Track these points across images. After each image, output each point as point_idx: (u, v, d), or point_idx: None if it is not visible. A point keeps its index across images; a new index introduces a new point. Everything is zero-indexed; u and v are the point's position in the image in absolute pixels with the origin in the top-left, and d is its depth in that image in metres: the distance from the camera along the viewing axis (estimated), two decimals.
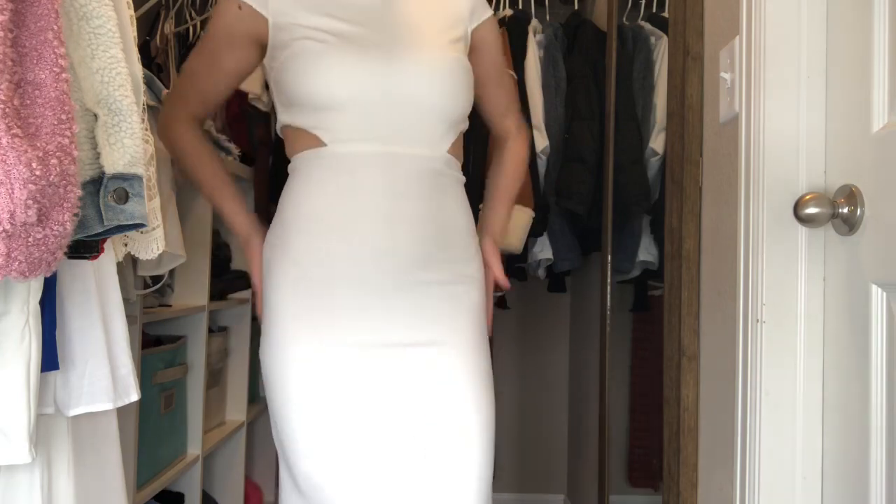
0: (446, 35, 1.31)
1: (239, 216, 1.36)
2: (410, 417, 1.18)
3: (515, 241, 2.18)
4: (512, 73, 2.30)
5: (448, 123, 1.27)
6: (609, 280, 2.15)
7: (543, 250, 2.37)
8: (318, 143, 1.23)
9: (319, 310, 1.20)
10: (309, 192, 1.24)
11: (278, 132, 1.33)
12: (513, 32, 2.36)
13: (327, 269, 1.20)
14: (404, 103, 1.22)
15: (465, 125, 1.32)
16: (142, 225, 0.89)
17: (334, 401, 1.17)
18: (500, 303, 2.67)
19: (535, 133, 2.30)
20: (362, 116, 1.22)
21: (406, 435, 1.18)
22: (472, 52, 1.36)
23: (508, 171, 1.45)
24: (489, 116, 1.45)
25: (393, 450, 1.17)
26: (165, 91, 1.46)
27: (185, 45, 2.62)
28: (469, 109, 1.31)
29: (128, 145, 0.86)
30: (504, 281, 1.36)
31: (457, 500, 1.17)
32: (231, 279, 2.19)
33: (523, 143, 1.48)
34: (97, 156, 0.86)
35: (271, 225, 1.29)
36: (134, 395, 1.02)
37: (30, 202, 0.70)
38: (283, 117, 1.28)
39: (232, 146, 1.73)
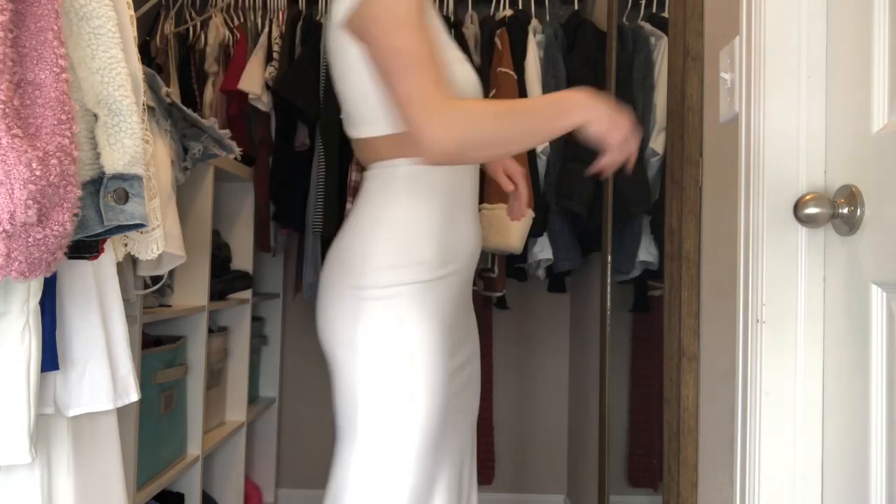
0: None
1: (565, 99, 1.18)
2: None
3: (515, 240, 2.18)
4: (509, 71, 2.30)
5: None
6: (609, 280, 2.15)
7: (543, 250, 2.37)
8: None
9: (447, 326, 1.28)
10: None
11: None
12: (513, 32, 2.36)
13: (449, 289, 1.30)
14: None
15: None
16: (142, 225, 0.89)
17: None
18: (500, 303, 2.67)
19: None
20: None
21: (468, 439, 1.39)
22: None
23: None
24: None
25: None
26: (166, 89, 1.46)
27: (185, 45, 2.62)
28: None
29: (128, 145, 0.86)
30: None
31: None
32: (231, 279, 2.19)
33: None
34: (97, 156, 0.86)
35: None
36: (134, 396, 1.02)
37: (30, 202, 0.70)
38: None
39: (233, 145, 1.73)
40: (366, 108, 1.26)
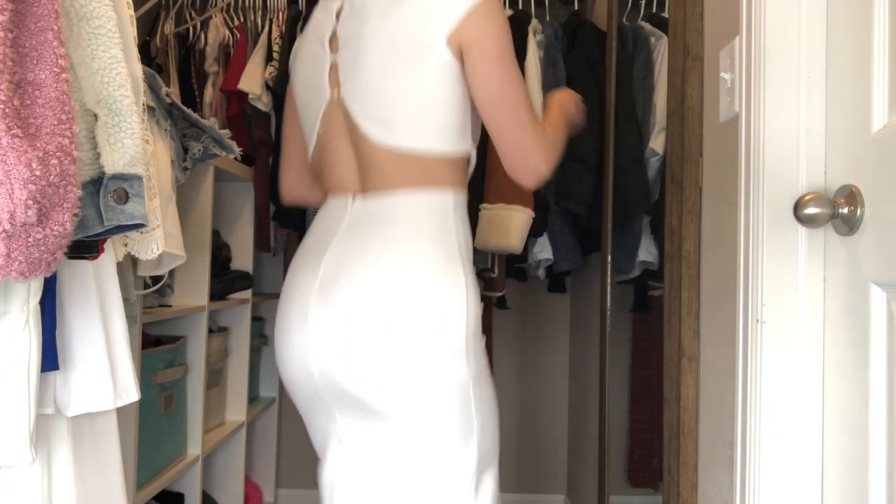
0: None
1: (550, 113, 1.46)
2: None
3: (515, 241, 2.18)
4: None
5: None
6: (609, 280, 2.15)
7: (543, 250, 2.37)
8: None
9: None
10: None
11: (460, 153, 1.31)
12: (513, 32, 2.35)
13: None
14: None
15: None
16: (142, 225, 0.89)
17: None
18: (500, 303, 2.68)
19: None
20: None
21: None
22: None
23: None
24: None
25: None
26: (165, 89, 1.46)
27: (185, 45, 2.62)
28: None
29: (128, 145, 0.86)
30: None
31: None
32: (231, 279, 2.19)
33: None
34: (97, 156, 0.86)
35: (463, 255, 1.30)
36: (134, 396, 1.02)
37: (30, 202, 0.70)
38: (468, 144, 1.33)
39: (233, 145, 1.74)
40: (439, 122, 1.25)
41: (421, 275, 1.22)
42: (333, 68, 1.32)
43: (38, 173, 0.71)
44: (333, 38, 1.34)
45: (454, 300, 1.22)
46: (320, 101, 1.34)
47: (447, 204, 1.27)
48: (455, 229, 1.27)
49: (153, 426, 1.71)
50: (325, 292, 1.24)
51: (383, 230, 1.25)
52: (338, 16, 1.35)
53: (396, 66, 1.24)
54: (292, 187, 1.52)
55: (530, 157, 1.29)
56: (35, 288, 0.85)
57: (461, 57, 1.24)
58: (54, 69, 0.76)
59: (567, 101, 1.49)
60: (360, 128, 1.28)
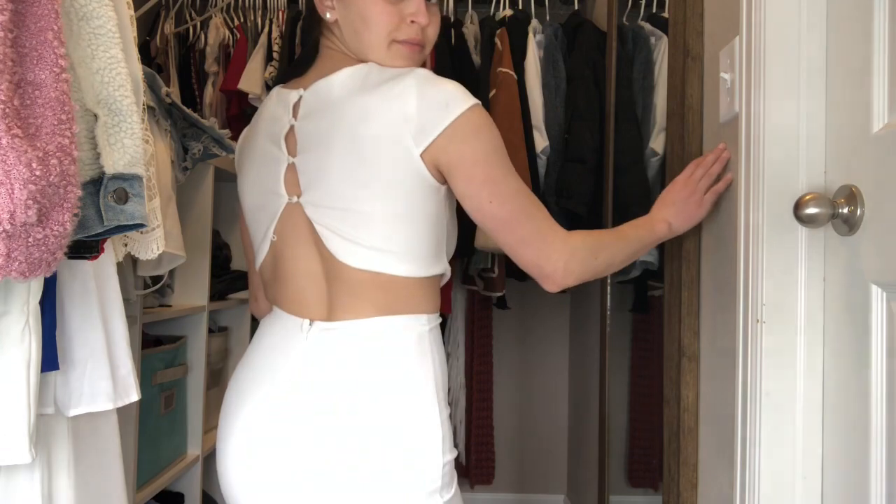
0: None
1: (647, 221, 1.33)
2: None
3: None
4: (509, 71, 2.30)
5: None
6: (609, 280, 2.15)
7: None
8: None
9: None
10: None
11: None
12: (513, 32, 2.36)
13: None
14: None
15: None
16: (142, 225, 0.89)
17: None
18: (500, 303, 2.68)
19: (535, 133, 2.30)
20: None
21: None
22: None
23: None
24: None
25: None
26: (165, 89, 1.46)
27: (185, 45, 2.62)
28: None
29: (128, 145, 0.86)
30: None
31: None
32: (231, 279, 2.19)
33: None
34: (97, 156, 0.86)
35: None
36: (134, 396, 1.02)
37: (30, 202, 0.70)
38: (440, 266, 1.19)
39: (233, 145, 1.74)
40: (412, 246, 1.12)
41: (390, 430, 1.11)
42: (291, 171, 1.17)
43: (38, 173, 0.71)
44: (290, 137, 1.18)
45: (426, 454, 1.10)
46: (274, 205, 1.19)
47: (422, 331, 1.14)
48: (431, 361, 1.14)
49: (153, 426, 1.71)
50: (274, 441, 1.13)
51: (347, 373, 1.12)
52: (295, 110, 1.19)
53: (366, 180, 1.10)
54: (264, 309, 1.34)
55: (545, 267, 1.13)
56: (35, 288, 0.85)
57: (440, 175, 1.11)
58: (54, 69, 0.76)
59: (673, 210, 1.33)
60: (325, 243, 1.14)
